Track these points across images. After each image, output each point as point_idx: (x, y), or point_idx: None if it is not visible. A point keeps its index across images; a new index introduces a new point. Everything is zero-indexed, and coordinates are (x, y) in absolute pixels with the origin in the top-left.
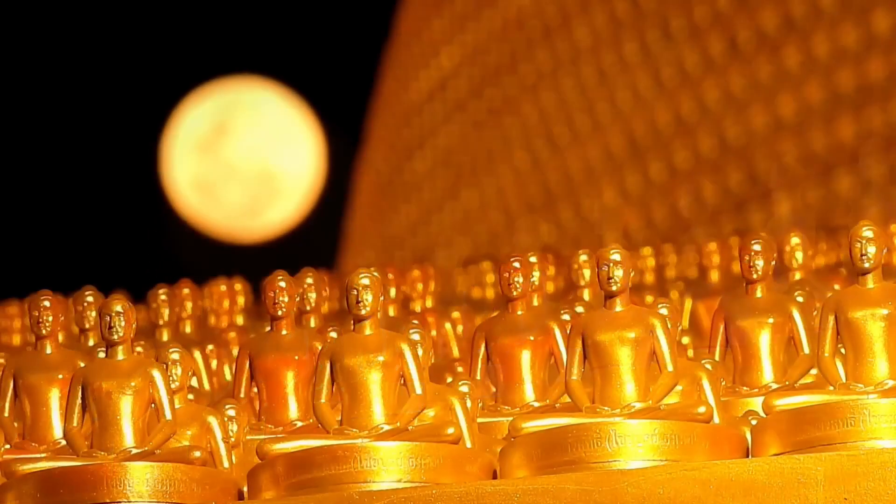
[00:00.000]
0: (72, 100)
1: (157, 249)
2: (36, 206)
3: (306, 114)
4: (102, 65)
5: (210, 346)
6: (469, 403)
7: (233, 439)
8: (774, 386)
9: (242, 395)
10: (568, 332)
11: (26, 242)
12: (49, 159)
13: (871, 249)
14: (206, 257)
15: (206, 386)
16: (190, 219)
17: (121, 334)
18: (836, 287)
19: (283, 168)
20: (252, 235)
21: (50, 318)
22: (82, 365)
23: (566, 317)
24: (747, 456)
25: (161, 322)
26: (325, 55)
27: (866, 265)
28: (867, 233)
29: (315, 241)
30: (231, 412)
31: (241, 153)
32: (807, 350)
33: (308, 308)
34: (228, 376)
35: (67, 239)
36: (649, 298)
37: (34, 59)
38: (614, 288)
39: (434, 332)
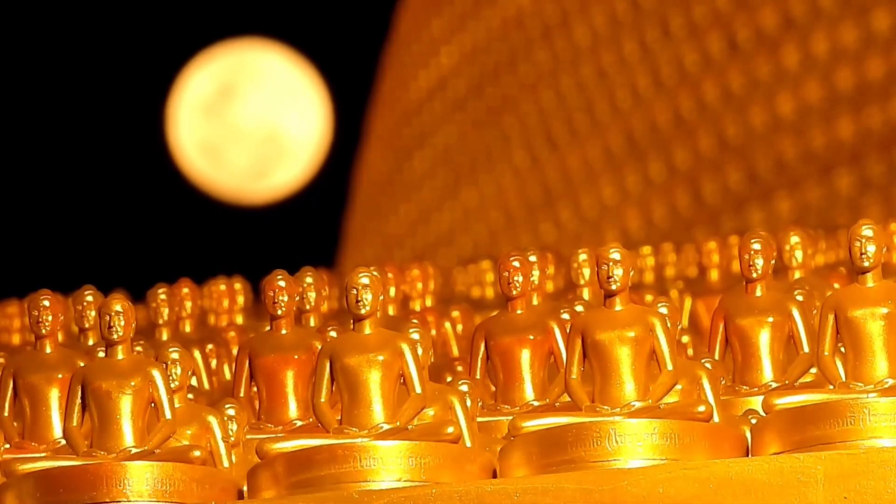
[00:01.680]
0: (76, 65)
1: (163, 213)
2: (40, 178)
3: (312, 75)
4: (107, 30)
5: (210, 346)
6: (469, 402)
7: (232, 439)
8: (774, 385)
9: (242, 395)
10: (567, 331)
11: (28, 227)
12: (52, 126)
13: (871, 248)
14: (213, 220)
15: (206, 385)
16: (196, 182)
17: (120, 334)
18: (836, 286)
19: (289, 130)
20: (258, 198)
21: (49, 318)
22: (82, 364)
23: (566, 316)
24: (747, 455)
25: (161, 321)
26: (332, 16)
27: (866, 264)
28: (867, 231)
29: (321, 204)
30: (231, 411)
31: (248, 116)
32: (806, 349)
33: (308, 307)
34: (228, 376)
35: (74, 208)
36: (649, 297)
37: (36, 32)
38: (614, 287)
39: (434, 332)
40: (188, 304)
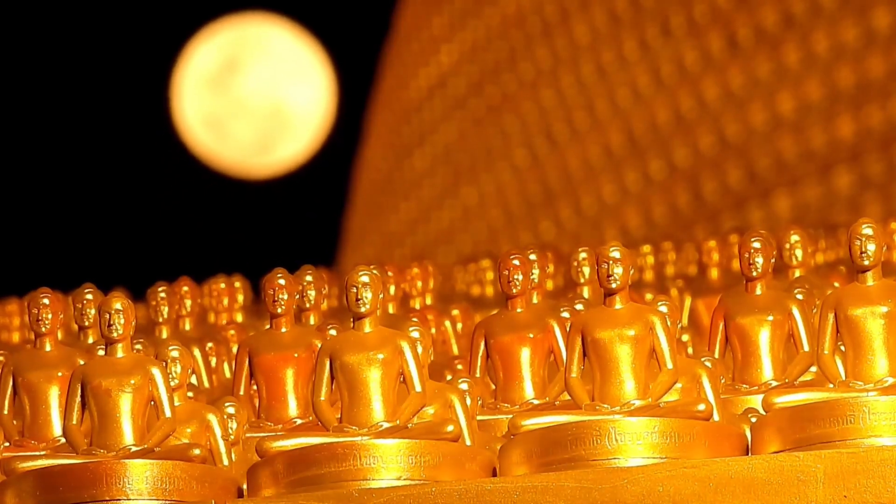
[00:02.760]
0: (79, 39)
1: (167, 186)
2: (42, 156)
3: (317, 49)
4: (112, 4)
5: (209, 344)
6: (469, 401)
7: (232, 437)
8: (774, 383)
9: (242, 393)
10: (567, 329)
11: (28, 210)
12: (55, 103)
13: (871, 247)
14: (216, 194)
15: (206, 383)
16: (200, 155)
17: (120, 332)
18: (836, 284)
19: (293, 104)
20: (262, 172)
21: (49, 316)
22: (82, 363)
23: (566, 314)
24: (747, 453)
25: (160, 319)
26: None
27: (866, 262)
28: (867, 230)
29: (325, 178)
30: (231, 410)
31: (252, 90)
32: (806, 347)
33: (307, 305)
34: (228, 374)
35: (77, 184)
36: (649, 296)
37: (39, 7)
38: (614, 285)
39: (434, 330)
40: (188, 302)
